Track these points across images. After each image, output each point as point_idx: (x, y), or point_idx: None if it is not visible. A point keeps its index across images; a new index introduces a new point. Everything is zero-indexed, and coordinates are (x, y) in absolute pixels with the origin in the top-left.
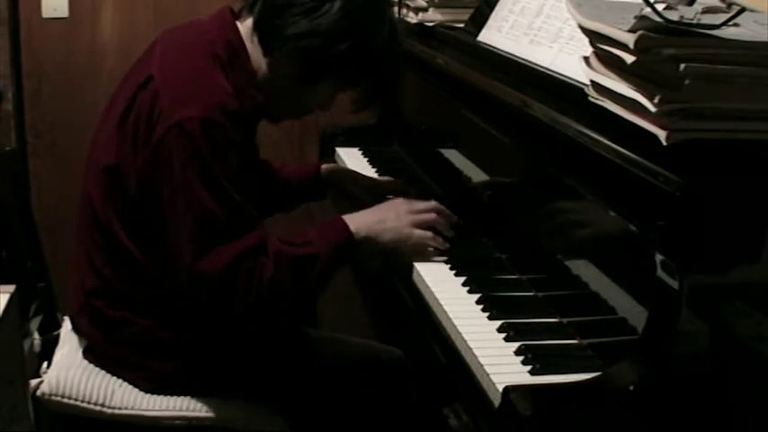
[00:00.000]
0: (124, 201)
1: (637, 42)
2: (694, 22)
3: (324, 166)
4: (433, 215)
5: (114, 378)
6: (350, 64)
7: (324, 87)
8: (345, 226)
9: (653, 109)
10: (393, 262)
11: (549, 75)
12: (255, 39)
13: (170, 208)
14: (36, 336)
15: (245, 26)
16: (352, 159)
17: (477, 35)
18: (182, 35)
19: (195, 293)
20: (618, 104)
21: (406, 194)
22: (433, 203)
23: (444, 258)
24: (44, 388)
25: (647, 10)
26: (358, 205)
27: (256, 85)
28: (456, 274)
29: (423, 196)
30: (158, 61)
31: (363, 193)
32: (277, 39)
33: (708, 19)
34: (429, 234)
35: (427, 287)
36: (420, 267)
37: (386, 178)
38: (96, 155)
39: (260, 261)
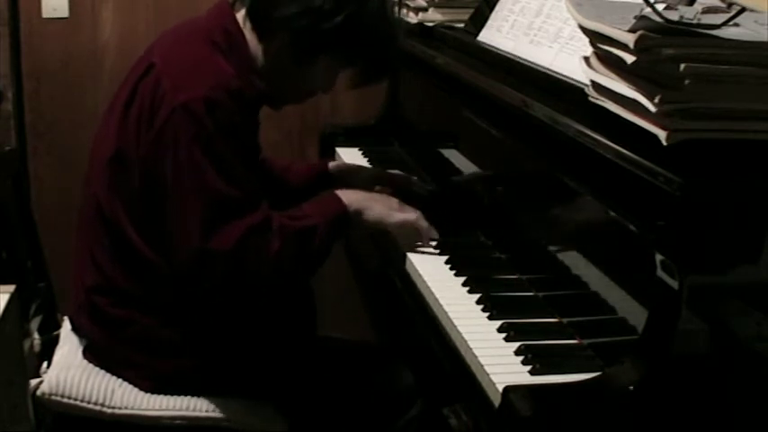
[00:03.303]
0: (130, 191)
1: (637, 42)
2: (694, 22)
3: (331, 164)
4: (415, 216)
5: (114, 378)
6: (344, 39)
7: (321, 67)
8: (339, 198)
9: (653, 109)
10: (385, 250)
11: (549, 75)
12: (249, 25)
13: (175, 189)
14: (36, 336)
15: (241, 15)
16: (352, 159)
17: (477, 35)
18: (179, 28)
19: (205, 274)
20: (618, 104)
21: (408, 183)
22: (418, 212)
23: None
24: (44, 388)
25: (647, 10)
26: None
27: (256, 72)
28: (456, 274)
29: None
30: (158, 51)
31: (370, 182)
32: (269, 22)
33: (708, 19)
34: (413, 215)
35: (427, 287)
36: (413, 258)
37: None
38: (100, 149)
39: (266, 236)
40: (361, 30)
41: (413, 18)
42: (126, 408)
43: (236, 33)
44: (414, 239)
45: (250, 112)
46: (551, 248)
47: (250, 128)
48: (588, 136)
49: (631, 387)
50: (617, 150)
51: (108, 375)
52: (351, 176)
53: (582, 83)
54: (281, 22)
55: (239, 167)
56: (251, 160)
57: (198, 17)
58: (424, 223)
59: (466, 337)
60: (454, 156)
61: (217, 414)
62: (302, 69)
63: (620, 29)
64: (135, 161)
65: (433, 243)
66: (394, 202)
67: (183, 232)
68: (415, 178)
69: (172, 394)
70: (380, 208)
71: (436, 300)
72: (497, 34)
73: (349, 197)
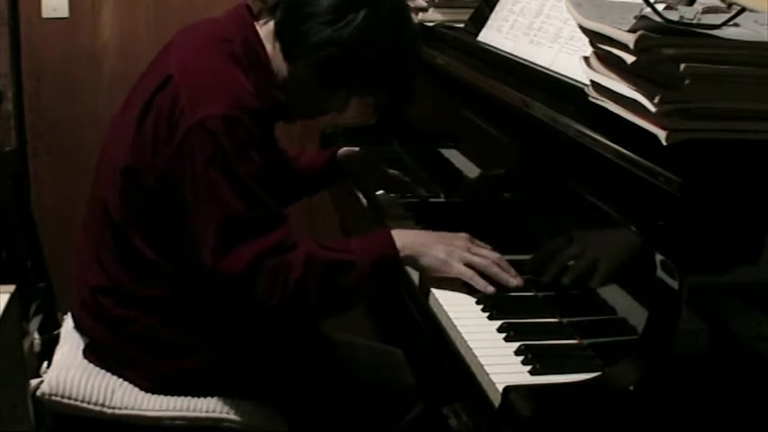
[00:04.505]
0: (142, 202)
1: (637, 42)
2: (694, 22)
3: (340, 152)
4: (488, 262)
5: (114, 378)
6: (372, 73)
7: (342, 93)
8: (391, 239)
9: (653, 109)
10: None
11: (549, 75)
12: (278, 45)
13: (193, 207)
14: (36, 336)
15: (265, 29)
16: None
17: (477, 35)
18: (197, 34)
19: (222, 291)
20: (618, 104)
21: (414, 194)
22: (495, 253)
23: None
24: (44, 388)
25: (647, 10)
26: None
27: (276, 85)
28: None
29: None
30: (175, 61)
31: (372, 184)
32: (300, 46)
33: (708, 19)
34: (470, 272)
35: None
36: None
37: (396, 173)
38: (111, 157)
39: (286, 259)
40: (390, 67)
41: (413, 18)
42: (126, 408)
43: (257, 45)
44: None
45: (268, 127)
46: (551, 248)
47: (267, 142)
48: (588, 136)
49: (631, 387)
50: (617, 150)
51: (108, 375)
52: (357, 167)
53: (582, 83)
54: (312, 49)
55: (256, 187)
56: (269, 177)
57: (216, 20)
58: (480, 283)
59: (466, 337)
60: (454, 156)
61: (217, 414)
62: (323, 93)
63: (620, 29)
64: (150, 174)
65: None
66: (460, 244)
67: (198, 250)
68: (420, 190)
69: (172, 394)
70: (440, 255)
71: (436, 300)
72: (497, 34)
73: (404, 240)
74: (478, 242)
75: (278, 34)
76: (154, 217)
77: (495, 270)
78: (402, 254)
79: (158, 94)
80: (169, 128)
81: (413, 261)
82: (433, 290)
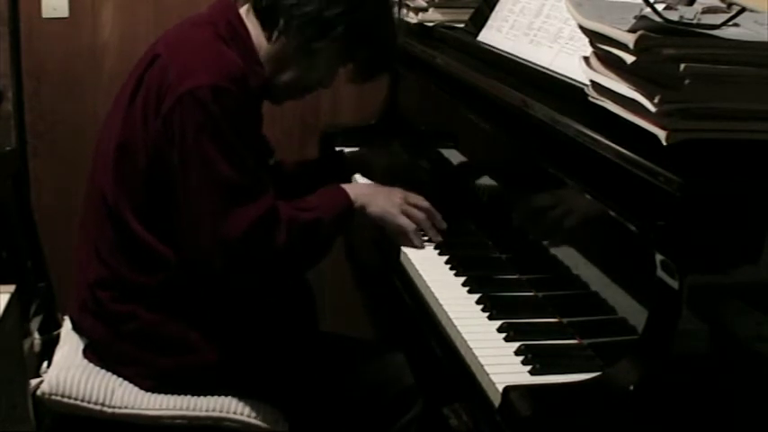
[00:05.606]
0: (134, 180)
1: (637, 42)
2: (694, 22)
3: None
4: (421, 214)
5: (114, 377)
6: (346, 27)
7: (323, 59)
8: (345, 192)
9: (653, 109)
10: (385, 250)
11: (549, 75)
12: (253, 17)
13: (183, 177)
14: (36, 336)
15: (243, 9)
16: None
17: (477, 35)
18: (182, 24)
19: (215, 261)
20: (618, 104)
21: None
22: (426, 202)
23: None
24: (44, 388)
25: (647, 10)
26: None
27: (259, 63)
28: (456, 274)
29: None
30: (162, 43)
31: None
32: (274, 12)
33: (708, 19)
34: (412, 225)
35: (427, 287)
36: (411, 256)
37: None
38: (105, 141)
39: (274, 226)
40: (364, 18)
41: (413, 18)
42: (126, 407)
43: (240, 26)
44: (406, 243)
45: (255, 103)
46: (551, 248)
47: (255, 118)
48: (588, 136)
49: (631, 387)
50: (617, 150)
51: (108, 375)
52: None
53: (582, 83)
54: (284, 12)
55: (247, 155)
56: (257, 149)
57: (199, 13)
58: (417, 238)
59: (466, 337)
60: (454, 156)
61: (217, 413)
62: (305, 61)
63: (620, 29)
64: (141, 149)
65: (430, 242)
66: (397, 195)
67: (193, 221)
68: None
69: (172, 393)
70: (384, 204)
71: (436, 300)
72: (497, 34)
73: (355, 191)
74: (412, 194)
75: (254, 6)
76: (147, 197)
77: (427, 225)
78: (355, 204)
79: (147, 72)
80: (158, 100)
81: (362, 210)
82: (434, 290)
